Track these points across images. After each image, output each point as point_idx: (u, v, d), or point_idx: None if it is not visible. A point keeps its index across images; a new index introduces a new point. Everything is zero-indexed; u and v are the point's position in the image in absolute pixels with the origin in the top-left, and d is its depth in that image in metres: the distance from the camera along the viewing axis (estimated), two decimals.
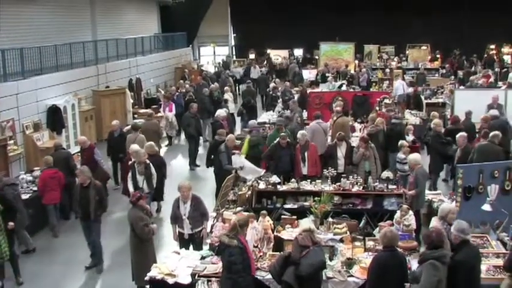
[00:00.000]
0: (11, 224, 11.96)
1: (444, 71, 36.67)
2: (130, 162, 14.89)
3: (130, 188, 14.28)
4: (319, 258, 9.12)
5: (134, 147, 15.45)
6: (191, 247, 11.53)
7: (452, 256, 8.55)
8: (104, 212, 12.83)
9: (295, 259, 8.99)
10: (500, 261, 9.89)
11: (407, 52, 41.61)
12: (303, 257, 8.95)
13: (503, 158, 14.56)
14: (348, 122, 18.67)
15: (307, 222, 9.78)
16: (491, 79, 29.48)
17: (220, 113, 19.87)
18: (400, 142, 15.44)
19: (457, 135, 15.46)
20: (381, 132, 17.05)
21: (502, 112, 19.93)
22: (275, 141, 15.98)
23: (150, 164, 14.68)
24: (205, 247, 11.34)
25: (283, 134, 15.99)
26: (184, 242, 11.59)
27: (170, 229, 11.98)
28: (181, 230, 11.55)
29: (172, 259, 10.58)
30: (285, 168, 15.37)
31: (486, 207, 11.18)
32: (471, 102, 20.13)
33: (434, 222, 10.05)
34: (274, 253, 10.41)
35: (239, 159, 15.24)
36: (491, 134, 15.29)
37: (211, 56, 47.36)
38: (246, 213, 11.23)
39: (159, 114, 24.00)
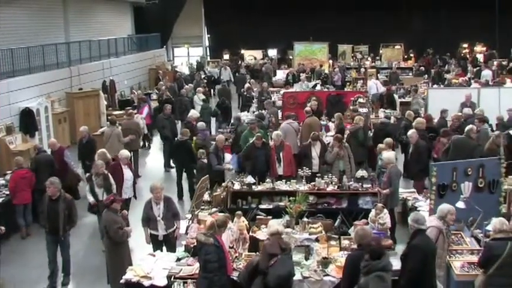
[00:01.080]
0: None
1: (420, 69, 36.92)
2: (87, 175, 14.19)
3: (91, 200, 13.45)
4: (288, 268, 8.96)
5: (100, 152, 14.79)
6: (164, 249, 11.49)
7: (408, 242, 8.81)
8: (73, 226, 12.06)
9: (263, 268, 8.82)
10: (474, 258, 9.99)
11: (381, 51, 41.85)
12: (271, 266, 8.77)
13: (477, 152, 14.85)
14: (317, 122, 18.66)
15: (275, 225, 9.49)
16: (466, 77, 29.88)
17: (193, 113, 19.75)
18: (385, 140, 15.55)
19: (409, 132, 15.71)
20: (361, 129, 17.15)
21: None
22: (250, 142, 15.98)
23: (109, 174, 13.62)
24: (181, 248, 11.28)
25: (258, 134, 15.96)
26: (157, 243, 11.54)
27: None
28: (155, 231, 11.48)
29: (148, 261, 10.52)
30: (261, 168, 15.35)
31: (460, 204, 11.23)
32: (445, 101, 20.32)
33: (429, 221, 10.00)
34: (249, 253, 10.43)
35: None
36: (467, 128, 15.56)
37: (185, 57, 47.24)
38: (221, 214, 11.23)
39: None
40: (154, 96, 28.93)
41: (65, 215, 11.56)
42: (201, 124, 18.66)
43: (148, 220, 11.47)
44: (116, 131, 18.27)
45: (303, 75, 30.95)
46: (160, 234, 11.45)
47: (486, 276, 8.95)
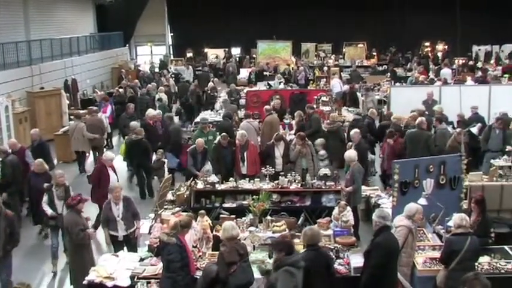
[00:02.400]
0: None
1: (383, 67, 37.33)
2: (46, 185, 12.66)
3: (50, 213, 12.24)
4: (248, 278, 8.89)
5: (38, 162, 13.76)
6: (125, 249, 11.40)
7: (372, 239, 8.85)
8: (15, 246, 10.99)
9: (223, 278, 8.67)
10: (436, 254, 10.13)
11: (344, 50, 42.10)
12: (231, 274, 8.65)
13: (431, 142, 15.39)
14: (278, 120, 18.70)
15: (229, 229, 9.14)
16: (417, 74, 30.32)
17: (149, 112, 19.41)
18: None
19: (352, 132, 15.93)
20: (340, 128, 17.28)
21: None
22: (216, 143, 15.99)
23: (70, 187, 12.65)
24: (144, 248, 11.19)
25: (223, 134, 15.97)
26: (118, 244, 11.44)
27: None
28: (114, 232, 11.38)
29: (111, 262, 10.43)
30: (228, 167, 15.41)
31: (422, 201, 11.33)
32: (407, 99, 20.52)
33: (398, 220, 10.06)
34: (213, 252, 10.39)
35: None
36: (418, 120, 16.02)
37: (148, 55, 46.96)
38: (185, 214, 11.18)
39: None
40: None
41: (6, 234, 10.58)
42: (133, 123, 18.56)
43: (108, 221, 11.36)
44: (80, 125, 18.33)
45: (268, 74, 31.03)
46: (120, 234, 11.36)
47: (447, 271, 9.10)
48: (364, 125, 17.97)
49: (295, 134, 16.60)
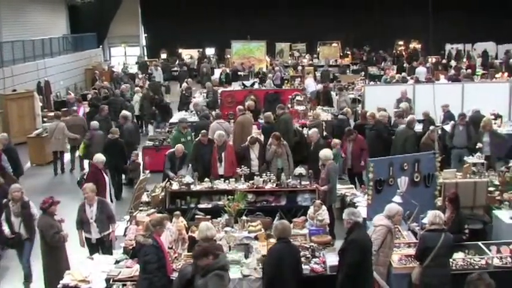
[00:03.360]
0: None
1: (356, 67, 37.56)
2: (4, 201, 11.67)
3: (6, 232, 11.45)
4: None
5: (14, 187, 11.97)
6: (100, 251, 11.32)
7: (346, 238, 8.90)
8: None
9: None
10: (411, 251, 10.19)
11: (318, 49, 42.21)
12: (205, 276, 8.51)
13: (414, 138, 15.79)
14: (250, 120, 18.69)
15: (204, 230, 9.21)
16: (392, 73, 30.55)
17: (123, 114, 19.32)
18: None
19: (311, 131, 16.07)
20: (320, 125, 17.29)
21: (410, 106, 20.47)
22: (196, 140, 15.95)
23: (30, 201, 11.72)
24: (120, 251, 11.13)
25: (203, 131, 15.94)
26: (92, 246, 11.38)
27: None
28: (88, 234, 11.32)
29: (86, 265, 10.35)
30: (207, 165, 15.35)
31: (397, 199, 11.40)
32: (381, 98, 20.64)
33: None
34: (189, 253, 10.34)
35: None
36: (408, 118, 16.58)
37: (122, 56, 46.73)
38: (157, 214, 11.14)
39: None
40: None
41: None
42: (94, 123, 18.51)
43: (82, 223, 11.29)
44: (60, 125, 18.36)
45: (242, 74, 31.01)
46: (93, 237, 11.30)
47: (422, 268, 9.18)
48: (349, 125, 18.09)
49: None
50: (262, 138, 16.79)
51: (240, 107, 19.51)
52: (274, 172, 14.74)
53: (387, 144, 16.47)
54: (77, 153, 19.32)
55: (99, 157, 13.97)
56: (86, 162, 18.34)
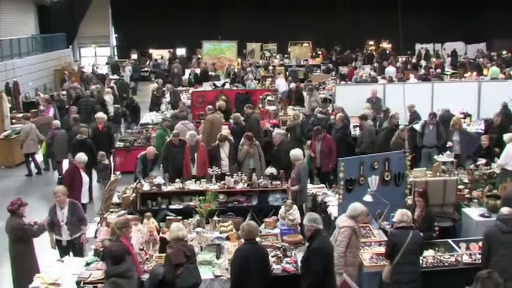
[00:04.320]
0: None
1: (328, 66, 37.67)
2: None
3: None
4: (195, 279, 8.92)
5: None
6: (71, 254, 11.23)
7: (308, 246, 8.92)
8: None
9: (170, 279, 8.68)
10: (382, 249, 10.22)
11: (289, 49, 42.27)
12: (178, 276, 8.66)
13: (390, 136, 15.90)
14: (219, 119, 18.68)
15: (176, 231, 9.14)
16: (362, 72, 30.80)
17: (98, 116, 19.12)
18: None
19: (274, 133, 16.31)
20: (299, 126, 17.33)
21: (381, 105, 20.60)
22: (167, 141, 15.92)
23: None
24: (90, 253, 11.05)
25: (175, 131, 15.89)
26: (63, 249, 11.28)
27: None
28: (59, 237, 11.24)
29: (56, 268, 10.23)
30: (178, 166, 15.29)
31: (367, 198, 11.48)
32: (352, 97, 20.73)
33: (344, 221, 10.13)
34: (160, 254, 10.32)
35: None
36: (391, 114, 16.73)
37: (92, 57, 46.35)
38: (130, 216, 11.07)
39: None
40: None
41: None
42: (55, 122, 18.43)
43: (53, 225, 11.18)
44: (33, 126, 18.22)
45: (213, 74, 30.92)
46: (64, 239, 11.22)
47: (392, 265, 9.24)
48: (327, 124, 18.12)
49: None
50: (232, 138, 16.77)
51: (210, 106, 19.47)
52: (246, 172, 14.74)
53: (351, 146, 16.60)
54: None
55: (82, 157, 13.92)
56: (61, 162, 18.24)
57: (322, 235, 8.94)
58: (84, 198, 13.58)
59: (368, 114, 17.77)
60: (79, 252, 11.31)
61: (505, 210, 9.65)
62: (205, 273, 9.73)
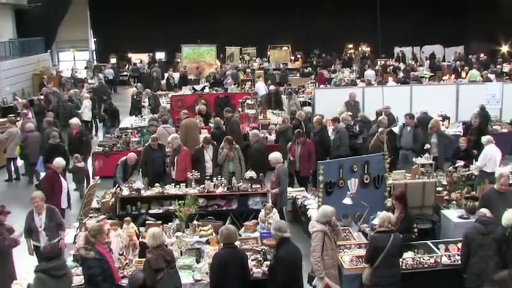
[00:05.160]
0: None
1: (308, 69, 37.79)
2: None
3: None
4: (175, 284, 8.91)
5: None
6: None
7: (275, 254, 9.00)
8: None
9: (150, 285, 8.63)
10: (362, 252, 10.32)
11: (268, 53, 42.33)
12: (158, 281, 8.61)
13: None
14: (195, 123, 18.71)
15: (155, 235, 9.03)
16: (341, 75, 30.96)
17: (72, 121, 19.02)
18: None
19: (250, 135, 16.45)
20: (290, 129, 17.35)
21: (359, 109, 20.67)
22: (146, 145, 15.92)
23: None
24: (69, 258, 10.96)
25: (153, 135, 15.84)
26: (41, 255, 11.12)
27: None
28: (37, 243, 11.14)
29: None
30: (157, 170, 15.27)
31: (347, 200, 11.56)
32: (331, 100, 20.77)
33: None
34: (140, 259, 10.27)
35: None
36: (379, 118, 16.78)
37: (71, 61, 46.03)
38: (110, 221, 11.02)
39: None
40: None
41: None
42: (28, 125, 18.35)
43: (31, 231, 11.09)
44: (19, 131, 18.53)
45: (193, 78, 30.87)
46: (43, 245, 11.00)
47: (373, 269, 9.28)
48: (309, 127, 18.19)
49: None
50: None
51: (185, 111, 19.44)
52: (226, 176, 14.74)
53: (328, 150, 16.64)
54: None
55: (60, 162, 13.85)
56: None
57: (289, 243, 8.94)
58: (63, 204, 13.44)
59: (345, 118, 17.78)
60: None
61: (484, 211, 9.73)
62: (185, 277, 9.72)
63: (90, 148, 18.56)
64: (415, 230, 10.92)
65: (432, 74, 33.89)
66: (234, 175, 14.86)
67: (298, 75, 36.57)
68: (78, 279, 9.70)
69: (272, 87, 27.03)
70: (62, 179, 13.64)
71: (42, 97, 26.10)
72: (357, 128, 18.07)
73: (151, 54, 44.71)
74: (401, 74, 32.18)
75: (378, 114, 18.73)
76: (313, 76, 34.51)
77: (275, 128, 19.89)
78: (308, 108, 18.14)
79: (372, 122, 18.16)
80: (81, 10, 44.27)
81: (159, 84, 32.70)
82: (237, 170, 15.15)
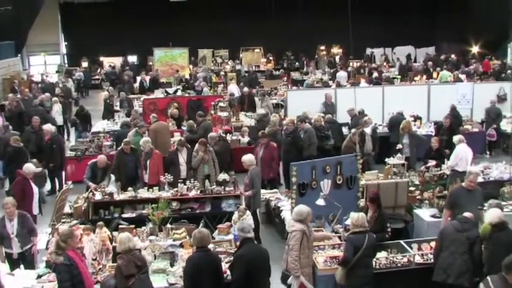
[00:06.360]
0: None
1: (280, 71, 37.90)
2: None
3: None
4: None
5: None
6: (22, 266, 11.01)
7: (235, 252, 9.20)
8: None
9: None
10: (336, 252, 10.42)
11: (241, 55, 42.37)
12: (129, 287, 8.55)
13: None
14: (165, 127, 18.69)
15: (125, 241, 8.94)
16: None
17: (45, 127, 18.77)
18: None
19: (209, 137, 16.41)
20: (279, 131, 17.41)
21: (334, 110, 20.72)
22: (119, 149, 15.80)
23: None
24: (42, 265, 10.87)
25: (126, 140, 15.75)
26: (13, 262, 11.03)
27: None
28: (9, 250, 11.00)
29: (7, 281, 9.97)
30: (130, 174, 15.17)
31: (320, 201, 11.58)
32: (304, 102, 20.80)
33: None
34: (113, 264, 10.18)
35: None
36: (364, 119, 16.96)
37: (42, 65, 45.58)
38: (82, 226, 10.93)
39: None
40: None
41: None
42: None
43: (3, 238, 10.94)
44: None
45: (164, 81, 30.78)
46: (15, 252, 11.00)
47: (348, 269, 9.31)
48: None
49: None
50: None
51: (153, 114, 19.36)
52: (200, 178, 14.71)
53: (301, 151, 16.67)
54: None
55: (30, 167, 13.63)
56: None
57: (251, 243, 9.04)
58: (35, 210, 13.26)
59: (317, 119, 17.80)
60: (30, 264, 11.09)
61: (467, 214, 9.86)
62: (159, 281, 9.70)
63: (64, 156, 18.33)
64: (389, 229, 10.97)
65: (404, 75, 34.01)
66: (209, 178, 14.83)
67: (264, 78, 36.18)
68: (51, 285, 9.63)
69: (246, 89, 27.03)
70: (32, 184, 13.43)
71: (14, 103, 25.76)
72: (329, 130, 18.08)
73: (123, 57, 44.47)
74: (375, 74, 32.36)
75: (361, 113, 18.80)
76: (285, 78, 34.54)
77: (247, 130, 19.95)
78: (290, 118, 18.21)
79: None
80: (52, 14, 43.86)
81: (131, 87, 32.51)
82: (212, 173, 15.12)
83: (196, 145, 15.48)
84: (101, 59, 44.60)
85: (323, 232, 11.38)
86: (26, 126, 19.87)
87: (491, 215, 9.53)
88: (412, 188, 13.59)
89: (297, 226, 9.56)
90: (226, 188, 14.05)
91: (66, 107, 25.59)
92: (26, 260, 11.10)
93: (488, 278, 7.73)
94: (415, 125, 19.41)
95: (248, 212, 11.91)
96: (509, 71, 29.84)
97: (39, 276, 10.14)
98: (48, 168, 17.17)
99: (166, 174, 14.45)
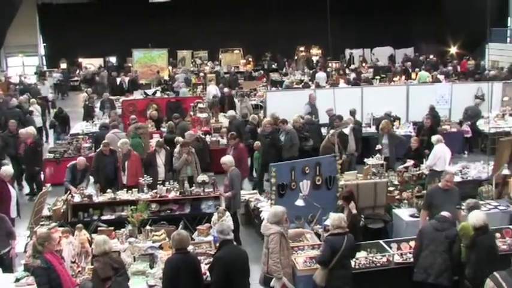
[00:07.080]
0: None
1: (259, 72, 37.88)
2: None
3: None
4: None
5: None
6: (0, 270, 10.89)
7: (214, 254, 9.19)
8: None
9: None
10: (315, 252, 10.42)
11: (220, 56, 42.36)
12: None
13: None
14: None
15: (100, 244, 8.88)
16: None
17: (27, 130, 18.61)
18: None
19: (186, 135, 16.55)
20: (275, 132, 17.38)
21: (316, 110, 20.75)
22: (98, 150, 15.75)
23: None
24: (20, 268, 10.78)
25: (105, 141, 15.66)
26: None
27: None
28: None
29: None
30: (109, 176, 15.11)
31: (299, 202, 11.60)
32: (283, 103, 20.83)
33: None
34: (92, 267, 10.13)
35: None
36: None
37: (20, 66, 45.25)
38: (61, 229, 10.87)
39: None
40: None
41: None
42: None
43: None
44: None
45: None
46: None
47: (328, 270, 9.31)
48: (246, 131, 18.18)
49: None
50: None
51: (133, 116, 19.29)
52: (181, 180, 14.67)
53: (280, 151, 16.68)
54: None
55: (7, 170, 13.54)
56: None
57: (230, 245, 9.06)
58: (13, 213, 13.12)
59: (296, 120, 17.83)
60: (8, 268, 10.95)
61: (445, 214, 9.91)
62: (139, 283, 9.68)
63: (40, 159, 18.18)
64: (362, 217, 11.16)
65: (383, 76, 34.13)
66: (192, 179, 14.83)
67: (243, 79, 36.10)
68: None
69: (226, 89, 27.05)
70: (10, 187, 13.33)
71: None
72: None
73: (102, 59, 44.28)
74: (352, 75, 32.49)
75: (352, 113, 18.87)
76: (264, 79, 34.58)
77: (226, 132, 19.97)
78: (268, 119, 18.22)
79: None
80: (30, 15, 43.52)
81: (104, 88, 32.36)
82: (194, 174, 15.13)
83: (177, 147, 15.44)
84: (80, 60, 44.31)
85: (298, 229, 11.41)
86: (0, 130, 19.72)
87: (475, 217, 9.52)
88: (391, 188, 13.69)
89: (274, 228, 9.56)
90: (206, 189, 14.04)
91: (44, 109, 25.39)
92: (4, 263, 10.97)
93: (496, 274, 7.71)
94: (394, 125, 19.49)
95: (228, 213, 11.91)
96: (486, 71, 30.05)
97: (17, 280, 10.03)
98: (33, 171, 17.05)
99: (144, 175, 14.41)
